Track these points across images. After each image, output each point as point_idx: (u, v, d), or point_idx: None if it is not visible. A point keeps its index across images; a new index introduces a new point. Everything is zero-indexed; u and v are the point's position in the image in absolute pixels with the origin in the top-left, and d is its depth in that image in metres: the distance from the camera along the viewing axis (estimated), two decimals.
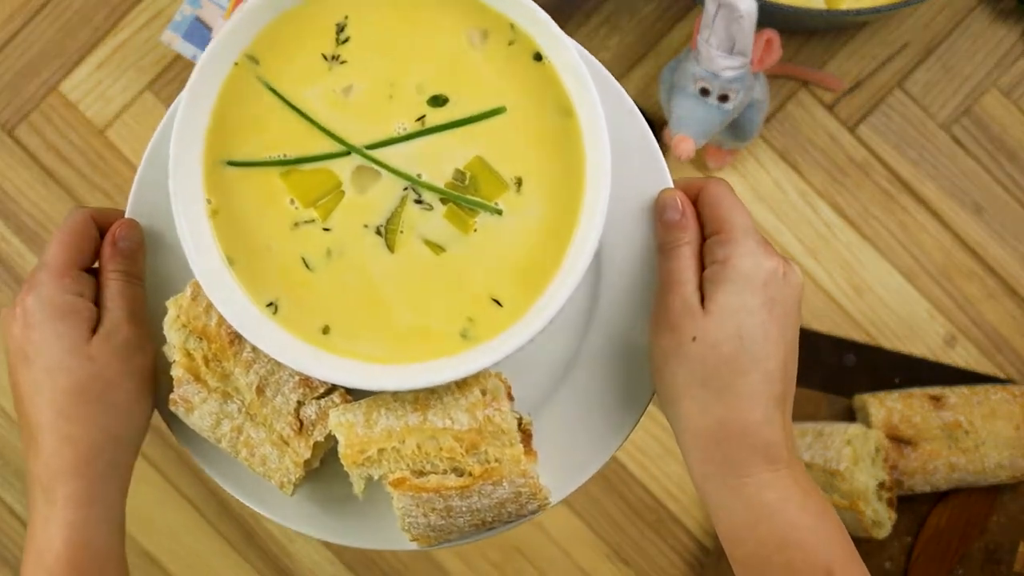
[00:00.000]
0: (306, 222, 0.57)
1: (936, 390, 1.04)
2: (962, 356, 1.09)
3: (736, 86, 0.94)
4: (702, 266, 0.59)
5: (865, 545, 1.04)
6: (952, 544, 1.05)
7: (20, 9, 1.12)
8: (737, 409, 0.56)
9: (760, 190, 1.09)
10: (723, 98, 0.94)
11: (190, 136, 0.56)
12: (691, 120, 0.96)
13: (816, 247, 1.10)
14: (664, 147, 0.98)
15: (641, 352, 0.63)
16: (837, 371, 1.08)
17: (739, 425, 0.56)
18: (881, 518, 1.01)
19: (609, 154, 0.56)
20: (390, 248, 0.57)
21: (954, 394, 1.03)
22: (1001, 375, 1.08)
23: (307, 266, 0.56)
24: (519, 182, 0.57)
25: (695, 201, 0.61)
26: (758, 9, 0.89)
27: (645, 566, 1.09)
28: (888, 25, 1.11)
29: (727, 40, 0.92)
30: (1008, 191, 1.10)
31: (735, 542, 0.57)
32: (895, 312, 1.09)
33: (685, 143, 0.95)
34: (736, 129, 1.03)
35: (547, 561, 1.09)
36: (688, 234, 0.59)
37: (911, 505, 1.05)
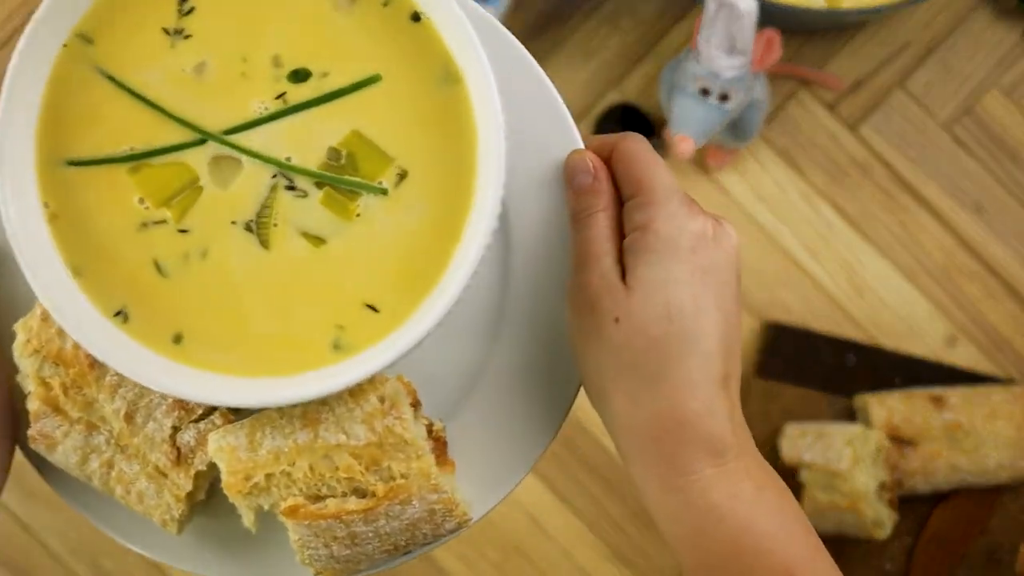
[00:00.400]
0: (156, 223, 0.49)
1: (937, 390, 1.01)
2: (963, 356, 1.07)
3: (736, 86, 0.93)
4: (622, 235, 0.51)
5: (866, 546, 1.02)
6: (953, 545, 1.04)
7: (19, 9, 1.10)
8: (673, 399, 0.48)
9: (760, 190, 1.09)
10: (723, 98, 0.94)
11: (17, 133, 0.48)
12: (691, 120, 0.95)
13: (816, 247, 1.08)
14: (664, 146, 0.98)
15: (564, 340, 0.55)
16: (837, 371, 1.05)
17: (676, 418, 0.48)
18: (882, 519, 1.00)
19: (502, 123, 0.47)
20: (264, 245, 0.49)
21: (955, 394, 1.00)
22: (1002, 375, 1.07)
23: (160, 271, 0.49)
24: (402, 165, 0.49)
25: (609, 162, 0.53)
26: (759, 8, 0.89)
27: (645, 566, 1.08)
28: (889, 25, 1.09)
29: (727, 40, 0.91)
30: (1009, 191, 1.07)
31: (684, 550, 0.50)
32: (895, 312, 1.08)
33: (685, 143, 0.95)
34: (736, 129, 1.03)
35: (548, 562, 1.08)
36: (602, 199, 0.51)
37: (912, 506, 1.02)
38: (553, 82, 0.55)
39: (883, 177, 1.07)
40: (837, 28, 1.07)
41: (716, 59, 0.91)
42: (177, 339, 0.49)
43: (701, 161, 1.06)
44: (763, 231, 1.06)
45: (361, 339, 0.48)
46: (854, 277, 1.07)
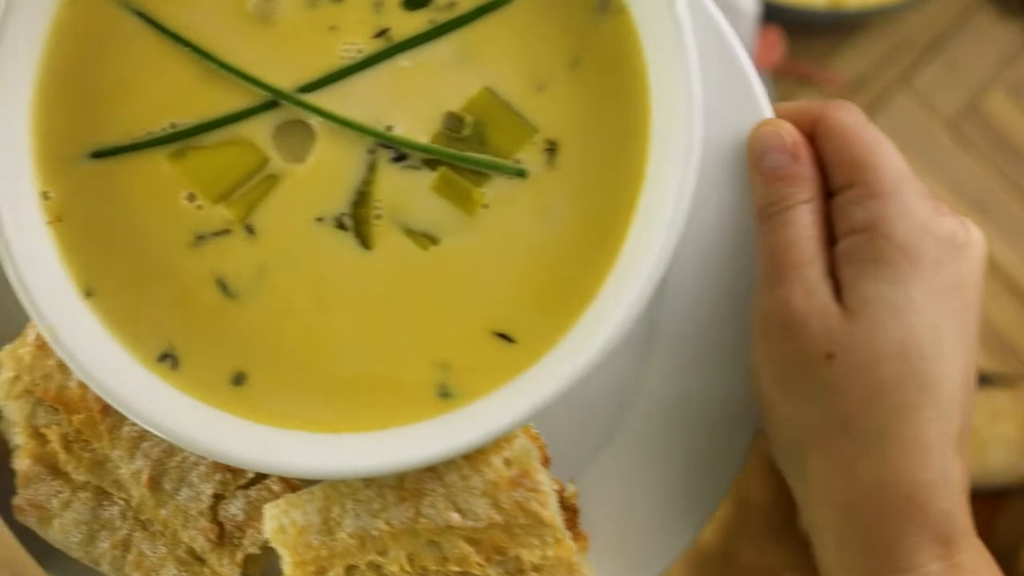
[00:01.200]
0: (216, 233, 0.36)
1: None
2: None
3: None
4: (831, 238, 0.38)
5: None
6: None
7: None
8: (900, 467, 0.36)
9: None
10: None
11: (7, 109, 0.35)
12: None
13: None
14: None
15: (734, 375, 0.41)
16: None
17: (903, 492, 0.36)
18: None
19: (695, 68, 0.33)
20: (365, 244, 0.35)
21: None
22: (1005, 376, 1.05)
23: (227, 292, 0.35)
24: (549, 138, 0.35)
25: (811, 138, 0.39)
26: (761, 7, 0.89)
27: None
28: (892, 24, 1.09)
29: None
30: (1012, 190, 1.08)
31: None
32: None
33: None
34: None
35: None
36: (805, 188, 0.38)
37: None
38: None
39: None
40: (841, 27, 1.06)
41: None
42: (238, 379, 0.35)
43: None
44: None
45: (478, 382, 0.35)
46: None
